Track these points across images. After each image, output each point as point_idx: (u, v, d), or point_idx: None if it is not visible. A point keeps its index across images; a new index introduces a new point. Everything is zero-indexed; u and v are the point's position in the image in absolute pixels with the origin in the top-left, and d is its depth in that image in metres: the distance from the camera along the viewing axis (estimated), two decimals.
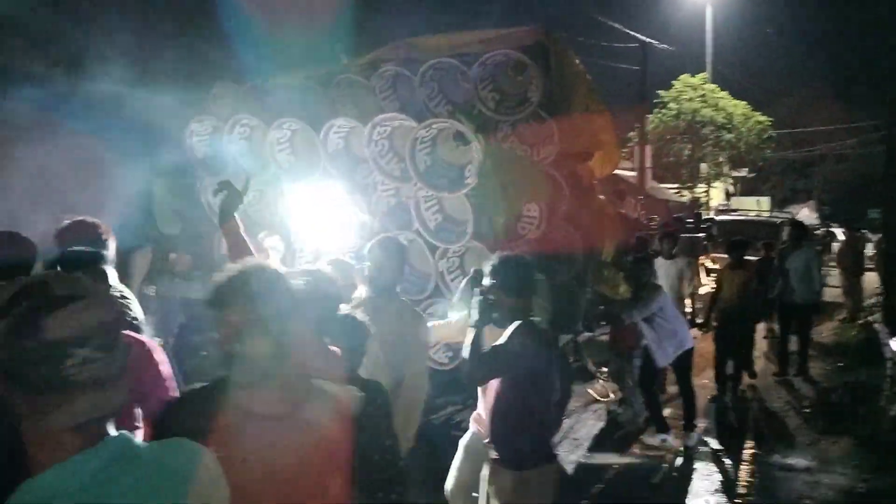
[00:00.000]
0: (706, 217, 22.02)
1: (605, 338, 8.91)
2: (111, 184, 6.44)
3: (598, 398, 8.64)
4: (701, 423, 7.78)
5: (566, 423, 7.76)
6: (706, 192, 34.07)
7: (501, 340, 3.68)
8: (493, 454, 3.84)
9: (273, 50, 7.76)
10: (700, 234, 17.06)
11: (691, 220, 19.51)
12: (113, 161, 6.67)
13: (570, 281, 6.58)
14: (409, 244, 6.03)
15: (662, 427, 7.31)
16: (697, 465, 6.99)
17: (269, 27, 8.40)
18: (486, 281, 3.87)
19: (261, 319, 1.99)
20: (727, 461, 7.07)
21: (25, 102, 8.03)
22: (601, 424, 7.95)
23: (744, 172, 36.69)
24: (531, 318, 3.82)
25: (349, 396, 2.23)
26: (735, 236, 10.54)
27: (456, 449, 4.63)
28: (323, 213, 5.94)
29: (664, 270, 8.79)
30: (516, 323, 3.72)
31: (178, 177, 6.84)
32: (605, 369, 8.97)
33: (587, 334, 9.29)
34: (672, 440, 7.25)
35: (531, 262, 4.00)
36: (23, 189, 6.64)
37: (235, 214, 3.44)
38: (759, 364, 10.64)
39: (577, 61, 6.74)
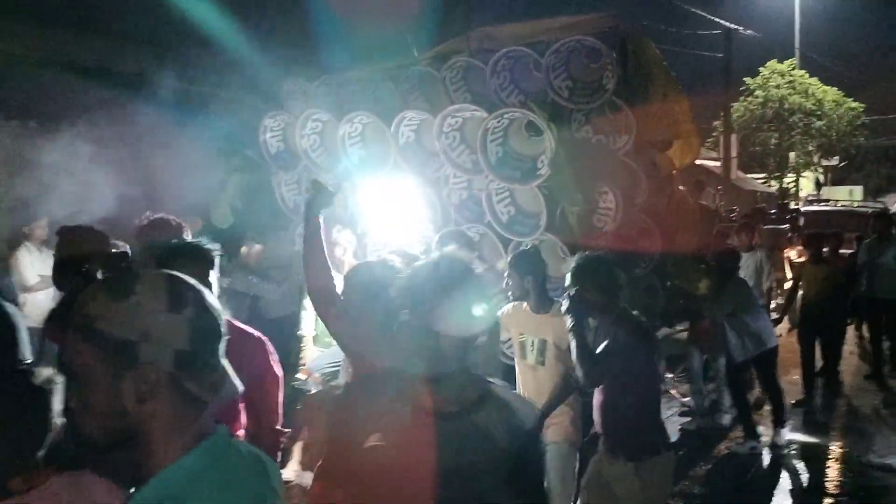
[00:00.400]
0: (792, 207, 21.10)
1: (680, 336, 8.64)
2: (186, 180, 6.57)
3: (678, 396, 8.36)
4: (791, 421, 7.43)
5: None
6: (795, 181, 32.91)
7: (610, 342, 3.73)
8: (607, 446, 3.88)
9: (345, 44, 7.78)
10: (784, 226, 16.36)
11: (774, 211, 18.75)
12: (188, 158, 6.81)
13: (648, 275, 6.36)
14: (481, 238, 5.96)
15: (752, 434, 6.97)
16: (788, 463, 6.69)
17: (340, 22, 8.44)
18: (568, 281, 3.87)
19: (453, 314, 1.93)
20: (819, 460, 6.75)
21: (107, 102, 8.30)
22: (686, 422, 7.68)
23: (835, 161, 35.22)
24: (630, 313, 3.86)
25: (526, 409, 2.14)
26: (821, 228, 9.98)
27: None
28: (394, 208, 5.91)
29: (742, 263, 8.40)
30: (618, 321, 3.78)
31: (251, 173, 6.94)
32: (669, 376, 8.64)
33: (666, 330, 9.00)
34: (761, 447, 6.92)
35: (614, 258, 4.07)
36: (102, 183, 6.84)
37: (321, 216, 3.25)
38: (853, 363, 10.13)
39: (654, 48, 6.53)
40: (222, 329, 1.47)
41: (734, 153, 26.14)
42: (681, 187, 7.43)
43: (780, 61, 31.53)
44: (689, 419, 7.73)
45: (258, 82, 7.82)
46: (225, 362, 1.49)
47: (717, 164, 26.04)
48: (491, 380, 2.15)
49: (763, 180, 33.16)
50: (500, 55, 6.02)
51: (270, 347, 3.24)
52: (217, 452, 1.40)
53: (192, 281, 1.46)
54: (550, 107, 5.82)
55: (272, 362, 3.21)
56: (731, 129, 26.08)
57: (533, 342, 4.42)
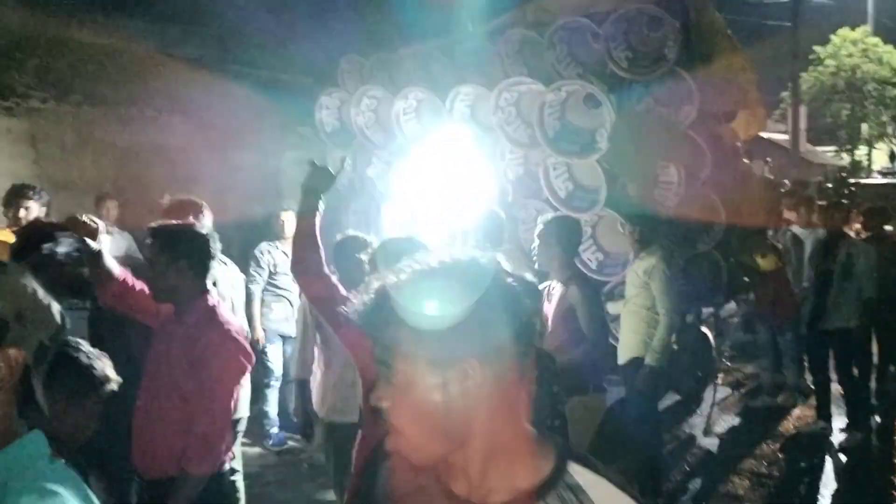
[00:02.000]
0: (851, 181, 19.70)
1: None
2: (246, 157, 6.67)
3: (740, 377, 8.14)
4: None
5: (718, 395, 7.42)
6: (868, 154, 31.73)
7: (586, 305, 4.10)
8: None
9: (399, 20, 7.74)
10: (842, 201, 15.23)
11: (831, 185, 17.70)
12: (245, 136, 6.90)
13: (711, 251, 6.19)
14: (538, 213, 5.87)
15: (824, 413, 6.66)
16: (857, 445, 6.40)
17: None
18: (536, 240, 4.22)
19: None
20: (890, 443, 6.49)
21: (172, 86, 8.46)
22: (753, 400, 7.47)
23: None
24: (582, 271, 4.45)
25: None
26: (875, 203, 9.08)
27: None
28: (447, 183, 5.86)
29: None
30: (574, 278, 4.18)
31: (306, 150, 6.97)
32: (725, 360, 8.33)
33: (730, 307, 8.75)
34: (831, 427, 6.61)
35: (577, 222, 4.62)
36: (163, 160, 7.00)
37: (321, 201, 2.99)
38: None
39: (718, 16, 6.31)
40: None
41: (803, 125, 25.30)
42: (745, 160, 7.20)
43: (853, 28, 30.36)
44: (755, 397, 7.52)
45: (314, 62, 7.85)
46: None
47: (786, 136, 25.25)
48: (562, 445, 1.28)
49: (834, 153, 32.06)
50: (556, 27, 5.89)
51: (234, 337, 2.97)
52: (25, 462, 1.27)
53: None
54: (609, 78, 5.67)
55: (227, 357, 2.92)
56: (800, 100, 25.22)
57: None
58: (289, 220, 6.09)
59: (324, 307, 3.04)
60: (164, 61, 9.16)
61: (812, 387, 6.98)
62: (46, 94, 8.05)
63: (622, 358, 5.29)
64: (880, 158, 32.26)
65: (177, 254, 2.97)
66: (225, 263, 4.78)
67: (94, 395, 2.29)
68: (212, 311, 3.03)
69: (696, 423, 6.87)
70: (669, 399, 6.91)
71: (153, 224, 3.11)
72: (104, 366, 2.33)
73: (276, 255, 6.11)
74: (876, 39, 30.04)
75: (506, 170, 5.94)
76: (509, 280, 1.20)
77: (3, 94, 7.70)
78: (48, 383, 2.10)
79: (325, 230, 3.04)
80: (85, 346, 2.36)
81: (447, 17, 7.04)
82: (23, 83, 7.96)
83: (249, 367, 3.06)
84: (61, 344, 2.30)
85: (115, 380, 2.33)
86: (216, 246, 3.12)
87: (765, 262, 6.84)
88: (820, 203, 7.33)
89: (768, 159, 16.72)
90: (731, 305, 9.02)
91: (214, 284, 3.74)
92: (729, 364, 8.39)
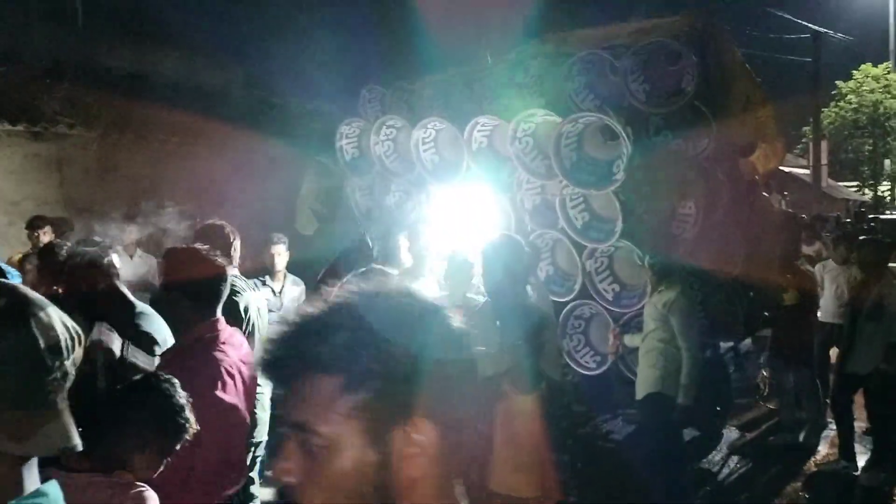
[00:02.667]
0: (871, 216, 19.51)
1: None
2: (267, 185, 6.73)
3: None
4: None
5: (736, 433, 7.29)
6: (890, 189, 31.48)
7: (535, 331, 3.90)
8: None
9: (420, 51, 7.84)
10: (885, 239, 15.16)
11: (850, 220, 17.53)
12: (268, 164, 6.97)
13: (730, 284, 6.14)
14: (554, 243, 5.88)
15: (848, 454, 6.46)
16: (880, 487, 6.25)
17: (415, 29, 8.52)
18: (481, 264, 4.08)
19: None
20: None
21: (195, 114, 8.58)
22: (773, 438, 7.33)
23: None
24: (528, 299, 4.11)
25: None
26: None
27: (605, 461, 4.45)
28: (465, 212, 5.88)
29: (832, 277, 7.82)
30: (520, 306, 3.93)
31: (325, 178, 7.03)
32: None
33: (748, 342, 8.64)
34: (853, 467, 6.43)
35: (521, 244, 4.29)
36: (189, 190, 7.07)
37: None
38: None
39: (737, 50, 6.34)
40: (61, 350, 1.11)
41: (824, 160, 25.18)
42: (764, 193, 7.16)
43: (875, 65, 30.30)
44: (775, 434, 7.38)
45: (336, 92, 7.95)
46: (64, 406, 1.11)
47: (807, 171, 25.13)
48: None
49: (856, 188, 31.85)
50: (575, 59, 5.93)
51: (205, 381, 2.64)
52: None
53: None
54: (627, 111, 5.69)
55: (213, 392, 2.64)
56: (822, 135, 25.12)
57: None
58: (280, 254, 5.88)
59: None
60: (189, 90, 9.31)
61: (831, 423, 6.86)
62: (74, 121, 8.20)
63: (640, 393, 5.25)
64: None
65: (171, 279, 2.80)
66: (255, 288, 4.76)
67: (180, 435, 2.22)
68: (196, 348, 2.79)
69: (714, 460, 6.77)
70: (688, 434, 6.82)
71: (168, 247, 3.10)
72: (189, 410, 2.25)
73: (263, 291, 5.60)
74: None
75: (523, 199, 5.95)
76: (452, 321, 1.01)
77: (33, 119, 7.86)
78: (135, 418, 2.14)
79: (345, 258, 3.06)
80: (177, 384, 2.26)
81: (466, 49, 7.12)
82: (51, 109, 8.12)
83: (225, 419, 2.73)
84: (163, 380, 2.25)
85: (195, 426, 2.23)
86: (226, 275, 2.89)
87: (786, 297, 6.78)
88: (859, 239, 7.11)
89: (785, 193, 16.66)
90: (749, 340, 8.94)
91: (246, 310, 3.72)
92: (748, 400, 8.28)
